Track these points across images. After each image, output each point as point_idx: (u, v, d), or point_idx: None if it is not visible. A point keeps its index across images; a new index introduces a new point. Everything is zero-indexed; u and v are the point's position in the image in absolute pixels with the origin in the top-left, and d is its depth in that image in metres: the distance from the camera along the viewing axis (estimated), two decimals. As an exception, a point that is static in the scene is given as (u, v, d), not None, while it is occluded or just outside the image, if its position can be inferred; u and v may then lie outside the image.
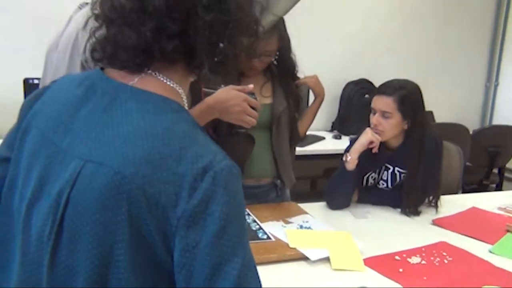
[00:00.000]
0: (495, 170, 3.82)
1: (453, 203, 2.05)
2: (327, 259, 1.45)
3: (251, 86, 1.49)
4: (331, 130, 3.81)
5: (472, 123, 4.09)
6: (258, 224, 1.66)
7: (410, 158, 1.88)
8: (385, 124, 1.85)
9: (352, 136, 1.98)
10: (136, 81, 0.72)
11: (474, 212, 1.98)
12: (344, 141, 3.16)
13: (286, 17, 3.59)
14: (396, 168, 1.94)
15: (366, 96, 3.54)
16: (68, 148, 0.70)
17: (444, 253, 1.55)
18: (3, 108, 2.95)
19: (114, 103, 0.71)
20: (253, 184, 1.88)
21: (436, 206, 1.94)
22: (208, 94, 1.46)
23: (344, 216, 1.87)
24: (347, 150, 1.92)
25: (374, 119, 1.87)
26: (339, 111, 3.79)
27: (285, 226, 1.66)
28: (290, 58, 1.85)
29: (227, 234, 0.64)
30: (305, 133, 2.03)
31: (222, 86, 1.48)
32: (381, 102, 1.85)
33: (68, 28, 1.54)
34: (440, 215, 1.90)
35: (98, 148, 0.68)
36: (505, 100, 4.38)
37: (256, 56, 1.64)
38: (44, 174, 0.71)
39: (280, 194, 1.95)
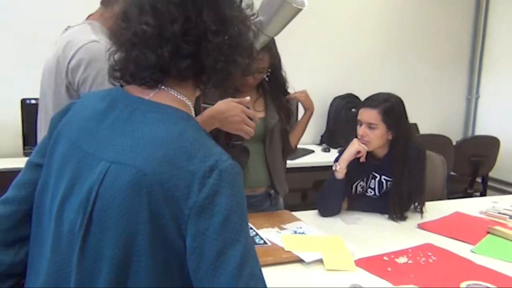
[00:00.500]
0: (479, 179, 3.96)
1: (438, 209, 2.17)
2: (320, 261, 1.55)
3: (248, 98, 1.59)
4: (320, 144, 3.93)
5: (455, 134, 4.23)
6: (254, 230, 1.75)
7: (395, 166, 2.00)
8: (371, 135, 1.97)
9: (341, 148, 2.09)
10: (152, 95, 0.85)
11: (457, 216, 2.10)
12: (333, 154, 3.27)
13: (278, 36, 3.71)
14: (383, 177, 2.06)
15: (353, 110, 3.68)
16: (95, 153, 0.82)
17: (429, 253, 1.66)
18: (4, 127, 3.04)
19: (134, 114, 0.83)
20: (249, 194, 1.97)
21: (421, 212, 2.06)
22: (206, 109, 1.56)
23: (335, 223, 1.98)
24: (337, 160, 2.04)
25: (360, 130, 1.99)
26: (327, 125, 3.93)
27: (280, 232, 1.76)
28: (281, 74, 1.97)
29: (231, 222, 0.76)
30: (296, 145, 2.14)
31: (219, 101, 1.59)
32: (367, 114, 1.97)
33: (51, 53, 1.62)
34: (425, 220, 2.01)
35: (121, 151, 0.79)
36: (486, 112, 4.55)
37: (251, 74, 1.76)
38: (74, 176, 0.83)
39: (274, 203, 2.05)
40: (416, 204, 2.07)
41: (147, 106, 0.83)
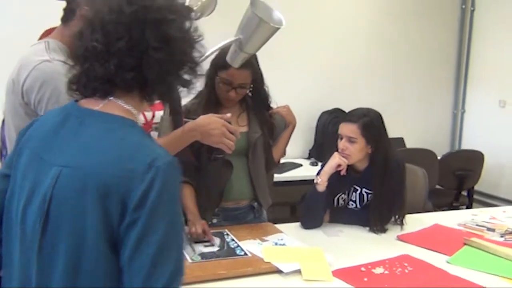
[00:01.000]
0: (464, 193, 4.02)
1: (419, 221, 2.21)
2: (299, 272, 1.59)
3: (228, 114, 1.64)
4: (308, 158, 3.99)
5: (442, 148, 4.31)
6: (236, 242, 1.79)
7: (375, 180, 2.05)
8: (351, 149, 2.02)
9: (324, 162, 2.14)
10: (101, 106, 0.97)
11: (436, 228, 2.15)
12: (320, 167, 3.33)
13: (262, 51, 3.81)
14: (364, 189, 2.11)
15: (340, 124, 3.74)
16: (50, 160, 0.94)
17: (406, 264, 1.71)
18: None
19: (83, 123, 0.95)
20: (233, 207, 2.02)
21: (401, 224, 2.11)
22: (188, 122, 1.61)
23: (317, 235, 2.02)
24: (319, 173, 2.09)
25: (341, 144, 2.05)
26: (315, 139, 3.99)
27: (261, 244, 1.80)
28: (263, 89, 2.03)
29: (159, 211, 0.87)
30: (279, 158, 2.18)
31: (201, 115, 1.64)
32: (346, 129, 2.03)
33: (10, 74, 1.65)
34: (405, 232, 2.06)
35: (71, 157, 0.92)
36: (471, 126, 4.63)
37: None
38: (35, 182, 0.94)
39: (258, 215, 2.10)
40: (397, 216, 2.12)
41: (96, 116, 0.96)
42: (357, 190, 2.12)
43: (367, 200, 2.12)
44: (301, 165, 3.75)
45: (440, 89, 4.67)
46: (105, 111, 0.96)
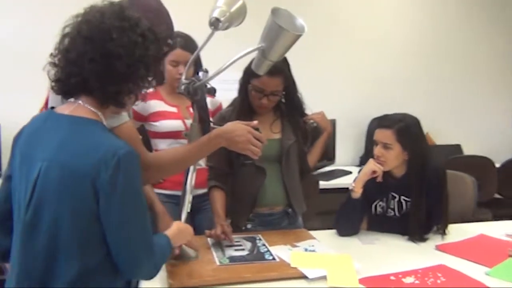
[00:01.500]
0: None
1: (464, 231, 2.13)
2: (325, 278, 1.58)
3: (255, 122, 1.66)
4: (359, 165, 3.92)
5: (502, 156, 4.07)
6: (266, 247, 1.82)
7: (413, 187, 1.99)
8: (386, 155, 1.99)
9: (361, 168, 2.12)
10: (71, 109, 1.20)
11: (480, 238, 2.04)
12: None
13: (312, 58, 3.87)
14: (402, 197, 2.06)
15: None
16: (36, 156, 1.16)
17: (439, 274, 1.65)
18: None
19: (57, 125, 1.19)
20: (267, 212, 2.05)
21: (443, 233, 2.03)
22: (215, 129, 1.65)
23: (352, 242, 1.99)
24: (355, 180, 2.07)
25: (376, 150, 2.01)
26: (365, 146, 3.92)
27: (291, 249, 1.81)
28: (296, 96, 2.04)
29: (122, 192, 1.11)
30: (314, 164, 2.18)
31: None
32: (381, 134, 2.00)
33: None
34: (446, 241, 1.98)
35: (50, 152, 1.14)
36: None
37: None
38: (26, 176, 1.17)
39: (293, 221, 2.11)
40: (439, 226, 2.05)
41: (66, 119, 1.19)
42: (395, 197, 2.08)
43: (406, 208, 2.06)
44: (351, 172, 3.70)
45: (501, 95, 4.43)
46: (74, 114, 1.19)
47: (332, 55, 3.99)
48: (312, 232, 2.05)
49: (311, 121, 2.12)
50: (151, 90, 2.40)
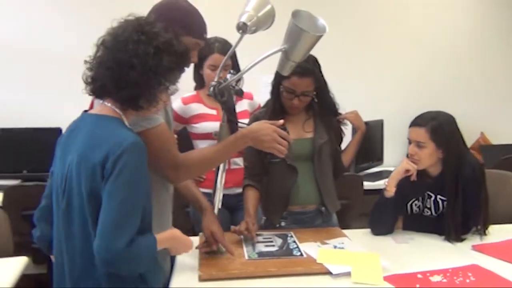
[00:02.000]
0: None
1: (507, 231, 2.05)
2: (349, 275, 1.60)
3: (281, 121, 1.70)
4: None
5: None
6: (296, 244, 1.86)
7: (449, 186, 1.95)
8: (420, 154, 1.96)
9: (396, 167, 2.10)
10: (98, 109, 1.37)
11: (523, 239, 1.97)
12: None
13: (362, 58, 3.86)
14: (438, 196, 2.02)
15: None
16: (69, 152, 1.33)
17: (470, 274, 1.61)
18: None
19: (86, 123, 1.36)
20: (299, 210, 2.09)
21: (482, 234, 1.97)
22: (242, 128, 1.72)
23: (384, 241, 1.99)
24: (389, 179, 2.06)
25: (410, 148, 1.99)
26: (413, 147, 3.84)
27: (320, 246, 1.84)
28: (328, 96, 2.08)
29: (123, 179, 1.21)
30: (349, 164, 2.19)
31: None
32: (415, 133, 1.98)
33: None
34: (484, 242, 1.92)
35: (77, 147, 1.30)
36: None
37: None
38: (62, 171, 1.34)
39: (326, 220, 2.13)
40: (479, 226, 1.99)
41: (94, 117, 1.36)
42: (431, 196, 2.04)
43: (443, 208, 2.02)
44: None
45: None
46: (99, 113, 1.36)
47: (382, 55, 3.96)
48: (347, 231, 2.06)
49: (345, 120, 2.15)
50: (189, 94, 2.54)
